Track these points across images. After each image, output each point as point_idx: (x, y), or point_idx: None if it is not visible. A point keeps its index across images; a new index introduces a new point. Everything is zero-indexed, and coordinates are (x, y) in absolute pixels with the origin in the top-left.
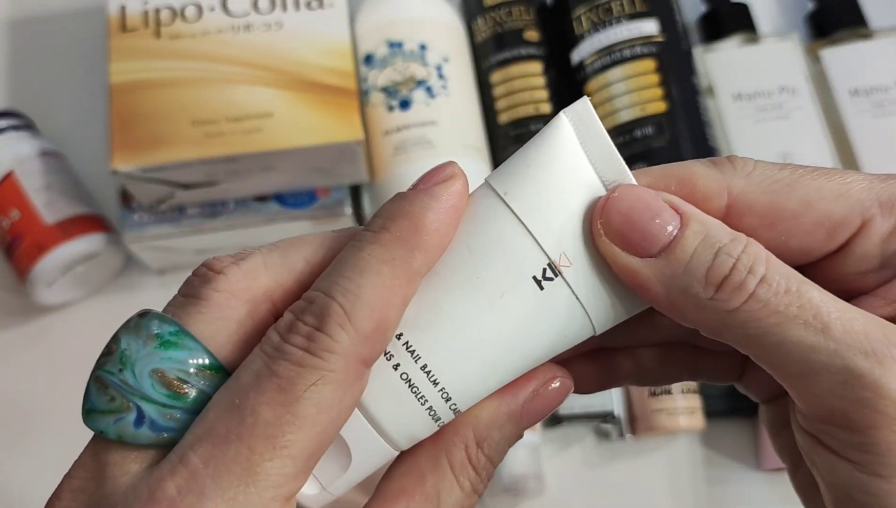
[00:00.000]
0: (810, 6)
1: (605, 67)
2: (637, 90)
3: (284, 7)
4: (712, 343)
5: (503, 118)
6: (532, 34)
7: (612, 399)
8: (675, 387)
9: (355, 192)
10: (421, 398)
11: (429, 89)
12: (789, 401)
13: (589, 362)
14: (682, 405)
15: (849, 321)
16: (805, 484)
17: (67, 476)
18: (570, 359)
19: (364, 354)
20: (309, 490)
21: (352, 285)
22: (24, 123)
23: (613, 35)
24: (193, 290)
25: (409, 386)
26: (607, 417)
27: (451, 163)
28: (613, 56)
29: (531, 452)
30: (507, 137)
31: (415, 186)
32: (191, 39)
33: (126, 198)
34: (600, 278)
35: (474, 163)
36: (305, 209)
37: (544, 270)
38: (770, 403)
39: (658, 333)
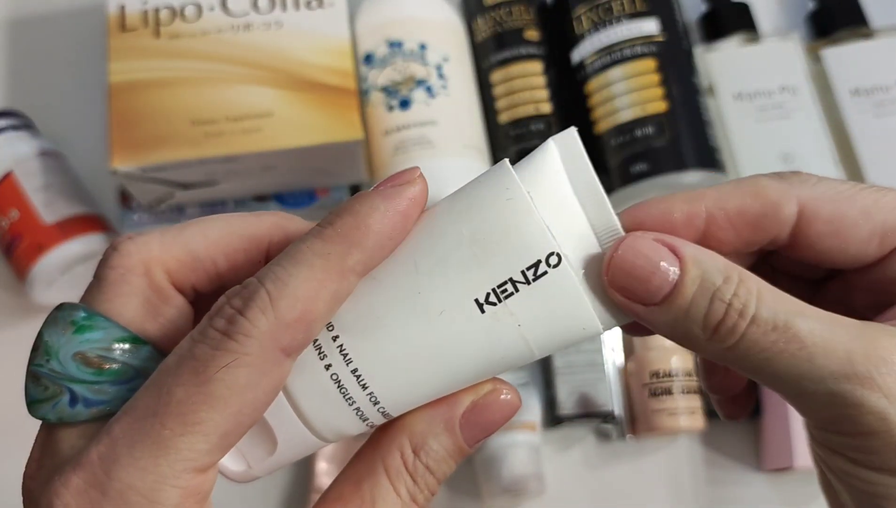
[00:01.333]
0: (811, 6)
1: (605, 67)
2: (637, 90)
3: (284, 7)
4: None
5: (503, 118)
6: (532, 34)
7: (612, 400)
8: (676, 387)
9: (355, 191)
10: (349, 398)
11: (429, 89)
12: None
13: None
14: (683, 405)
15: (832, 348)
16: None
17: (31, 456)
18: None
19: (284, 342)
20: (235, 467)
21: (283, 273)
22: (23, 123)
23: (614, 35)
24: (97, 271)
25: (338, 387)
26: (608, 417)
27: (414, 168)
28: (614, 56)
29: (531, 452)
30: (507, 137)
31: (374, 187)
32: (190, 39)
33: (125, 198)
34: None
35: (474, 163)
36: (305, 209)
37: (488, 294)
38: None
39: None
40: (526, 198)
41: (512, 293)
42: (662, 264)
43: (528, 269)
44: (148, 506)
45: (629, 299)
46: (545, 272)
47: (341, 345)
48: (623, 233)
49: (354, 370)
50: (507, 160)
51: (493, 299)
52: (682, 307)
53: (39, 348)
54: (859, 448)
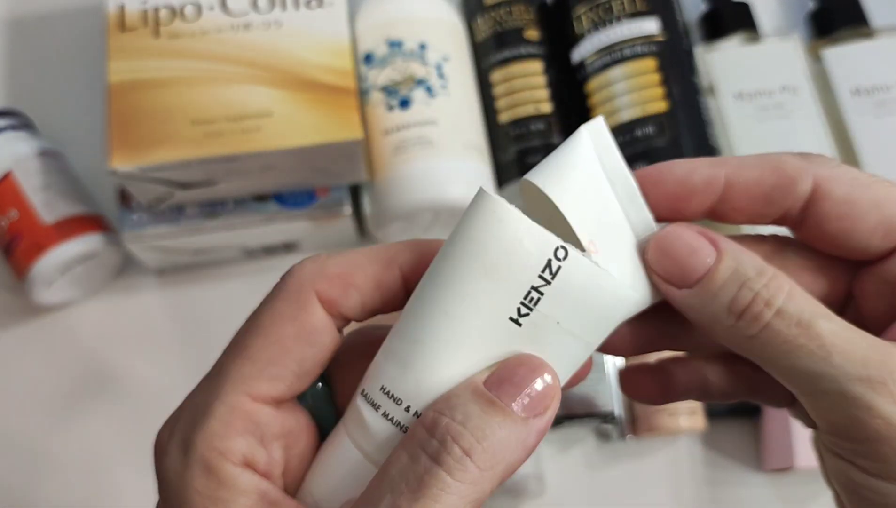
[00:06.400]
0: (811, 5)
1: (605, 67)
2: (638, 90)
3: (284, 6)
4: None
5: (503, 118)
6: (532, 33)
7: (612, 400)
8: None
9: (355, 191)
10: (399, 426)
11: (429, 89)
12: None
13: (652, 375)
14: (683, 405)
15: (851, 350)
16: None
17: None
18: (634, 373)
19: None
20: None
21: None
22: (22, 123)
23: (614, 34)
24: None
25: (397, 426)
26: (608, 417)
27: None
28: (614, 55)
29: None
30: (507, 137)
31: (515, 402)
32: (190, 39)
33: (125, 198)
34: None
35: (474, 162)
36: (305, 209)
37: (518, 309)
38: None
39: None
40: (513, 211)
41: (539, 298)
42: (700, 250)
43: (543, 271)
44: (201, 415)
45: (665, 280)
46: (559, 267)
47: (396, 398)
48: (652, 217)
49: (407, 408)
50: (481, 187)
51: (524, 310)
52: (712, 291)
53: None
54: (867, 455)
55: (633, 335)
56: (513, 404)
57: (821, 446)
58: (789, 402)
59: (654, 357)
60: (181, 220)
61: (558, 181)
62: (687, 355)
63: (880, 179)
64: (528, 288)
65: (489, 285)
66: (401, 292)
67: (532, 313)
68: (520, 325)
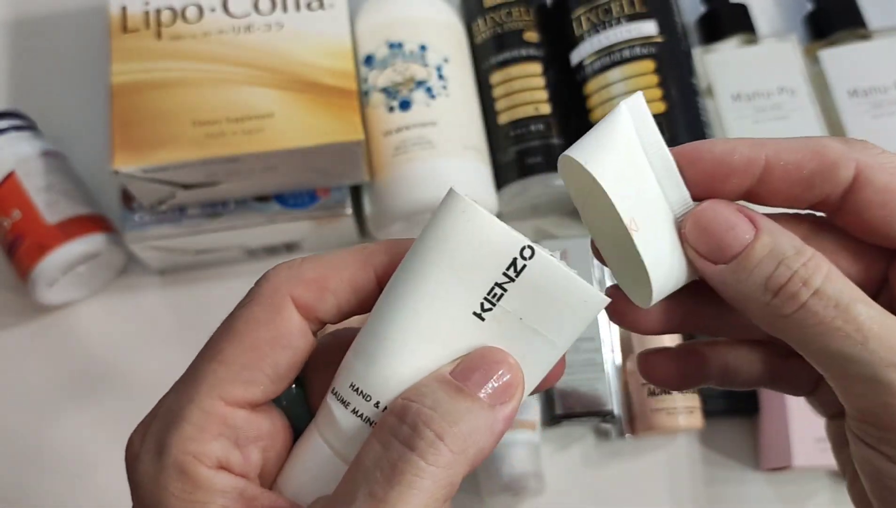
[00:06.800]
0: (809, 7)
1: (604, 68)
2: (636, 90)
3: (285, 8)
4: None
5: (503, 119)
6: (532, 35)
7: (611, 398)
8: None
9: (356, 192)
10: (368, 421)
11: (429, 90)
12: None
13: (674, 359)
14: (682, 404)
15: (888, 337)
16: (861, 496)
17: None
18: (655, 356)
19: None
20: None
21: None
22: (25, 124)
23: (613, 36)
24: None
25: (366, 421)
26: (607, 416)
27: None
28: (613, 57)
29: (531, 451)
30: (507, 138)
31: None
32: (192, 40)
33: (127, 198)
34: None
35: (474, 163)
36: (306, 209)
37: (482, 304)
38: (835, 419)
39: (751, 330)
40: (480, 211)
41: (502, 294)
42: (738, 226)
43: (508, 269)
44: (174, 419)
45: (702, 255)
46: (524, 266)
47: (365, 394)
48: (689, 195)
49: (376, 404)
50: (451, 187)
51: (487, 306)
52: (748, 268)
53: None
54: (889, 441)
55: (663, 314)
56: (479, 392)
57: (849, 434)
58: (810, 390)
59: (664, 342)
60: (183, 220)
61: (599, 158)
62: (709, 339)
63: None
64: (492, 284)
65: (456, 281)
66: (376, 294)
67: (494, 309)
68: (483, 320)
